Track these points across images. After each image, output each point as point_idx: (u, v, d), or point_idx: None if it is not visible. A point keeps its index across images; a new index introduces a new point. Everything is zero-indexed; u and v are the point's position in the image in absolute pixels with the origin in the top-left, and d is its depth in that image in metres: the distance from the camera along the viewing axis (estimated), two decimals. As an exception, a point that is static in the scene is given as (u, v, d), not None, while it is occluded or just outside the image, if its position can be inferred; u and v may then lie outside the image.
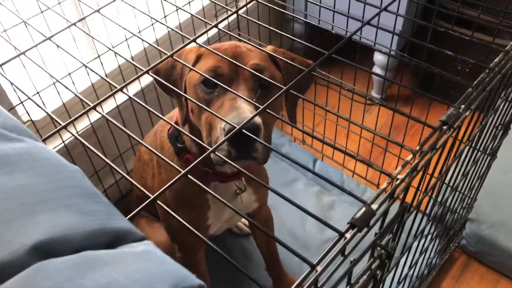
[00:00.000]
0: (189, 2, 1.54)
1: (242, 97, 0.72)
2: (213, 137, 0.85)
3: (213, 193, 0.58)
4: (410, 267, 1.16)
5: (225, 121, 0.68)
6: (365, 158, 1.71)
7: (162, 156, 0.61)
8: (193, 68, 0.75)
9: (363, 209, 0.55)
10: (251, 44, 0.86)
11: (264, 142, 0.64)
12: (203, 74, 0.77)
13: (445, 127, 0.64)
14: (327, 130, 1.86)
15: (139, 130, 1.58)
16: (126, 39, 1.43)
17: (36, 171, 0.44)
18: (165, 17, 1.50)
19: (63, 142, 1.41)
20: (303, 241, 1.62)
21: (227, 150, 0.81)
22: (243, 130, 0.66)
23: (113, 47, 1.42)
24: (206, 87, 0.87)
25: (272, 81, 0.75)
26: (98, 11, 0.89)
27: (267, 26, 0.85)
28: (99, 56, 1.40)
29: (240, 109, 0.80)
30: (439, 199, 1.16)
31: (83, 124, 1.47)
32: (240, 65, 0.76)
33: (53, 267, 0.36)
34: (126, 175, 0.62)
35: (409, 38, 0.80)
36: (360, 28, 0.78)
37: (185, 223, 0.55)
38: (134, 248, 0.43)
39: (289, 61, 0.78)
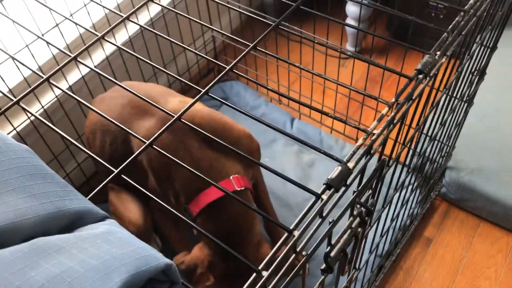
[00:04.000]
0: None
1: None
2: None
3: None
4: (392, 220, 1.16)
5: None
6: (340, 118, 1.70)
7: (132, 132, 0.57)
8: None
9: (339, 168, 0.53)
10: None
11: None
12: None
13: (420, 76, 0.61)
14: (303, 87, 1.82)
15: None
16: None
17: (-23, 154, 0.40)
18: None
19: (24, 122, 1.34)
20: (285, 201, 1.61)
21: None
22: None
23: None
24: None
25: None
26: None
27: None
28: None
29: None
30: (418, 149, 1.15)
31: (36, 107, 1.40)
32: None
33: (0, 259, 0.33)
34: (90, 153, 0.58)
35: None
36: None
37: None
38: (93, 230, 0.39)
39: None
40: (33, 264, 0.33)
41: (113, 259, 0.33)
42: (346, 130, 1.77)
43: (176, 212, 0.51)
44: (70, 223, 0.40)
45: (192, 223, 0.50)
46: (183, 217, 0.50)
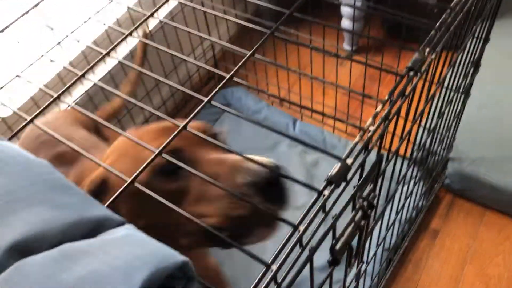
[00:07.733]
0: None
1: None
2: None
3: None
4: (397, 213, 1.19)
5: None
6: (339, 118, 1.72)
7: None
8: None
9: (338, 164, 0.56)
10: None
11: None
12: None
13: (411, 73, 0.64)
14: (303, 88, 1.85)
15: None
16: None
17: (3, 171, 0.44)
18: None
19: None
20: (292, 200, 1.64)
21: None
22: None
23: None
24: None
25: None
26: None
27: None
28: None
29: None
30: (417, 142, 1.18)
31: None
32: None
33: (32, 265, 0.36)
34: (101, 163, 0.61)
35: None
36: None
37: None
38: (114, 234, 0.43)
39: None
40: (63, 268, 0.36)
41: (135, 258, 0.37)
42: (348, 128, 1.80)
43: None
44: (92, 229, 0.44)
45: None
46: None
